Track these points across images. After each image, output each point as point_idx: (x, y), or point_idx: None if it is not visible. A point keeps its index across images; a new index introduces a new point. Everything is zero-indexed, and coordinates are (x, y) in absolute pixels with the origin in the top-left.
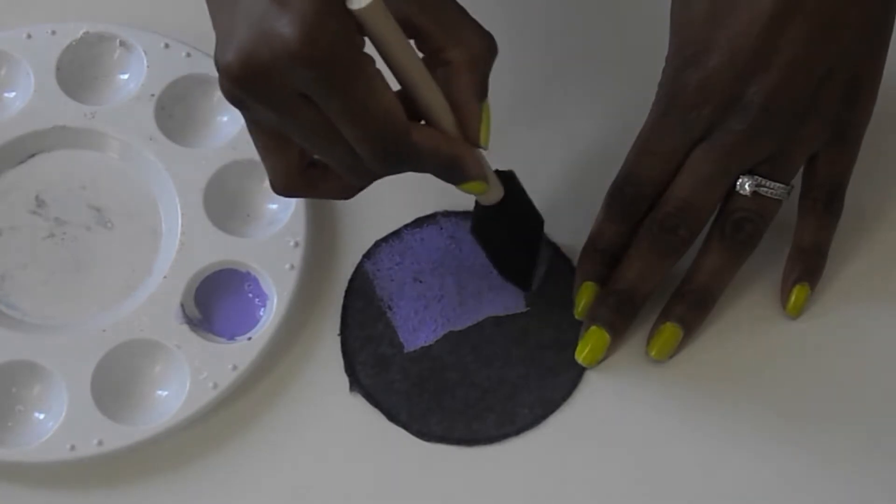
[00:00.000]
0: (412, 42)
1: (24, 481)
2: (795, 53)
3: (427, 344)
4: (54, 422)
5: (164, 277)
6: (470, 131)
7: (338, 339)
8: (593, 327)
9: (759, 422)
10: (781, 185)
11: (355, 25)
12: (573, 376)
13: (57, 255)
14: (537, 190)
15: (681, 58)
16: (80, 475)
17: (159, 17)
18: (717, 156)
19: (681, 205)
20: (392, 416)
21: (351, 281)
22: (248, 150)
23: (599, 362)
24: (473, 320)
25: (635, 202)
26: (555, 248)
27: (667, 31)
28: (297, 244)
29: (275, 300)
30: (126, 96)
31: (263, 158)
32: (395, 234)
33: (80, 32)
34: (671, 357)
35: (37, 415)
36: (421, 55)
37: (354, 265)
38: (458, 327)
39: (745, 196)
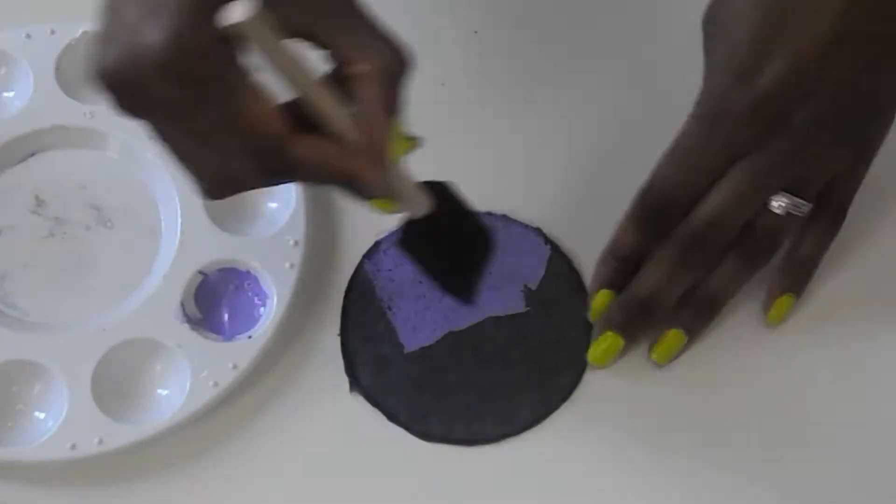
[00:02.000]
0: (322, 53)
1: (25, 480)
2: (846, 75)
3: (427, 344)
4: (55, 421)
5: (164, 276)
6: (374, 146)
7: (338, 338)
8: (608, 333)
9: (758, 422)
10: (806, 203)
11: (227, 36)
12: (573, 376)
13: (57, 254)
14: (537, 189)
15: (729, 74)
16: (81, 474)
17: None
18: (757, 176)
19: (714, 220)
20: (392, 417)
21: (351, 281)
22: None
23: (609, 365)
24: (473, 320)
25: (665, 214)
26: (554, 248)
27: (671, 29)
28: (296, 243)
29: (275, 299)
30: None
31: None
32: (396, 234)
33: (79, 32)
34: (672, 361)
35: (37, 414)
36: (332, 67)
37: (354, 264)
38: (458, 327)
39: (777, 215)
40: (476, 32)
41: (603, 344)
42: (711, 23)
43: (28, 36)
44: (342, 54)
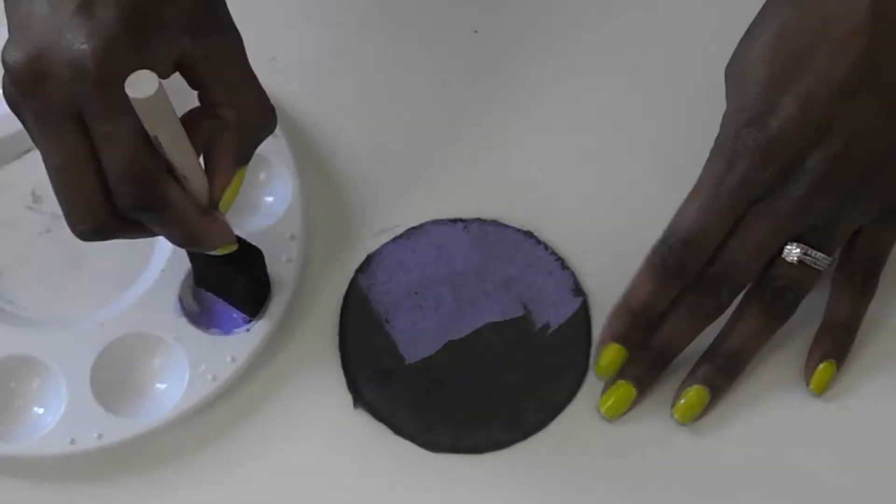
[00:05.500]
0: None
1: (25, 475)
2: (862, 124)
3: (428, 355)
4: (54, 416)
5: (162, 271)
6: (214, 192)
7: (335, 330)
8: (620, 381)
9: (760, 422)
10: (825, 257)
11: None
12: (576, 376)
13: (54, 249)
14: (535, 190)
15: (743, 117)
16: (81, 469)
17: None
18: (772, 221)
19: (728, 267)
20: (398, 430)
21: (346, 297)
22: None
23: (622, 415)
24: (472, 328)
25: (683, 264)
26: (545, 248)
27: (671, 30)
28: (293, 237)
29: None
30: None
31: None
32: (387, 247)
33: None
34: (695, 421)
35: (36, 409)
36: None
37: (353, 258)
38: (458, 335)
39: (790, 263)
40: (476, 32)
41: (613, 394)
42: (731, 69)
43: None
44: (213, 97)
